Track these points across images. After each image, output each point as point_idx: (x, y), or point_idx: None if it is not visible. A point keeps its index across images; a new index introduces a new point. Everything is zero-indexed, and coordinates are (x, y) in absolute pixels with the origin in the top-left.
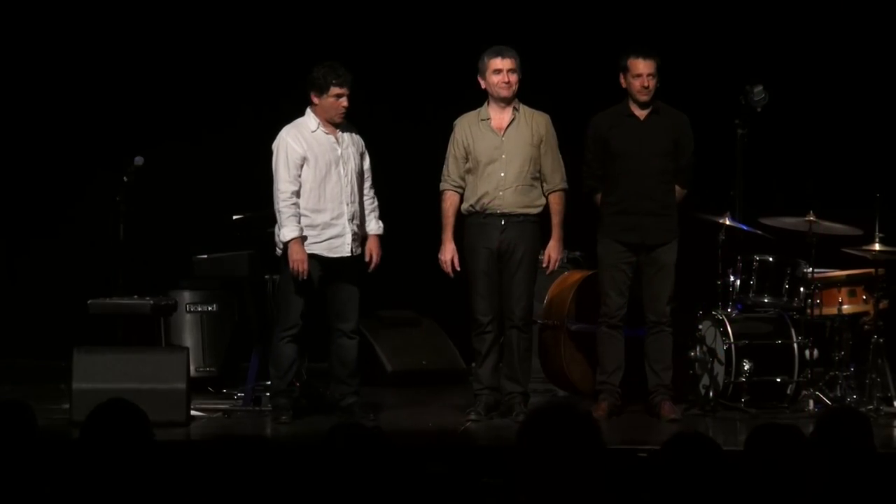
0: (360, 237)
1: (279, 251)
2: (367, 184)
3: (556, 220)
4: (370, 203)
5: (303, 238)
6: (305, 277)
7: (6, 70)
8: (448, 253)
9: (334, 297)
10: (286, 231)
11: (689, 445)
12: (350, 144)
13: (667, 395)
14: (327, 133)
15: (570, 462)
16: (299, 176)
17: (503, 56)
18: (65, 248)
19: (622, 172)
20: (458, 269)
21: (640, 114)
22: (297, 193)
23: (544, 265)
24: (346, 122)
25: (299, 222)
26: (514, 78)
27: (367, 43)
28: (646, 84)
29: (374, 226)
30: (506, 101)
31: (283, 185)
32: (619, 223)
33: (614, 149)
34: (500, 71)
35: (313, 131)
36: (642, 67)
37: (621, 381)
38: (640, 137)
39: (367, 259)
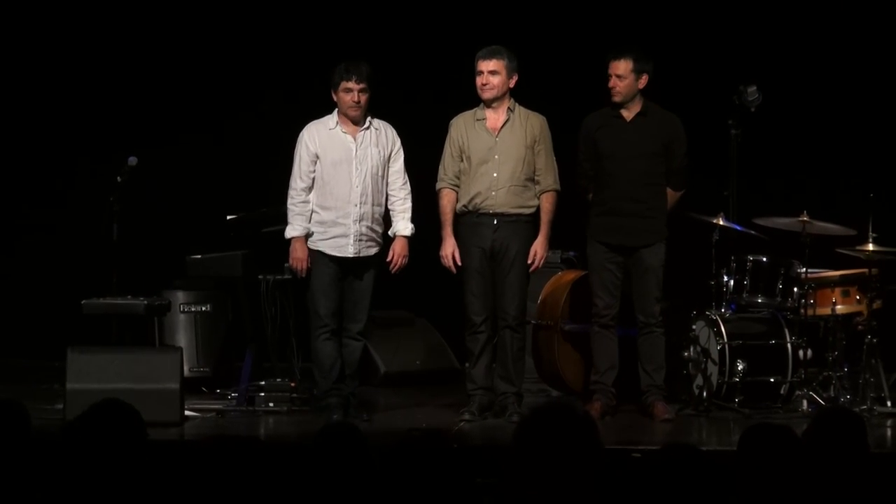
0: (373, 238)
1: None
2: (399, 184)
3: (544, 218)
4: (400, 204)
5: (307, 236)
6: (304, 276)
7: (1, 70)
8: (449, 248)
9: (345, 297)
10: (289, 229)
11: (679, 457)
12: (371, 145)
13: (659, 395)
14: (345, 132)
15: (568, 462)
16: (312, 173)
17: (485, 58)
18: (59, 247)
19: (607, 173)
20: (460, 264)
21: (627, 115)
22: (309, 190)
23: (529, 261)
24: (377, 123)
25: (307, 221)
26: (495, 80)
27: (364, 42)
28: (611, 84)
29: (399, 226)
30: (487, 103)
31: (293, 181)
32: (603, 224)
33: (601, 150)
34: (481, 73)
35: (331, 129)
36: (611, 68)
37: (615, 381)
38: (625, 139)
39: (388, 258)
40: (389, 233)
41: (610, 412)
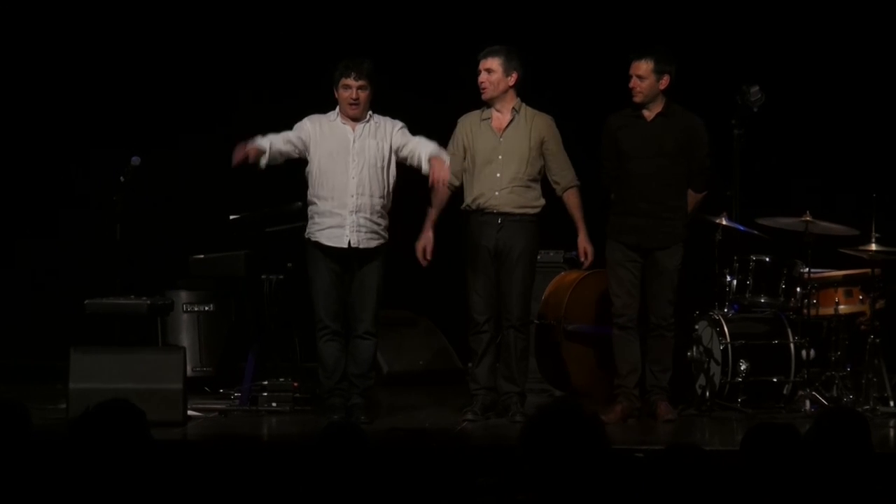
0: (374, 231)
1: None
2: (417, 139)
3: (577, 215)
4: (422, 145)
5: (262, 152)
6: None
7: (2, 70)
8: (422, 241)
9: (350, 296)
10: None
11: (682, 457)
12: (369, 137)
13: (663, 396)
14: (344, 124)
15: (575, 462)
16: (296, 139)
17: (482, 57)
18: (62, 247)
19: (626, 173)
20: (429, 258)
21: (648, 115)
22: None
23: (581, 259)
24: (377, 118)
25: (271, 143)
26: (491, 78)
27: (369, 42)
28: (632, 85)
29: (428, 150)
30: (487, 103)
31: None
32: (620, 224)
33: (621, 149)
34: (479, 72)
35: (332, 121)
36: (632, 68)
37: (616, 381)
38: (644, 139)
39: (430, 184)
40: (424, 165)
41: (634, 415)
